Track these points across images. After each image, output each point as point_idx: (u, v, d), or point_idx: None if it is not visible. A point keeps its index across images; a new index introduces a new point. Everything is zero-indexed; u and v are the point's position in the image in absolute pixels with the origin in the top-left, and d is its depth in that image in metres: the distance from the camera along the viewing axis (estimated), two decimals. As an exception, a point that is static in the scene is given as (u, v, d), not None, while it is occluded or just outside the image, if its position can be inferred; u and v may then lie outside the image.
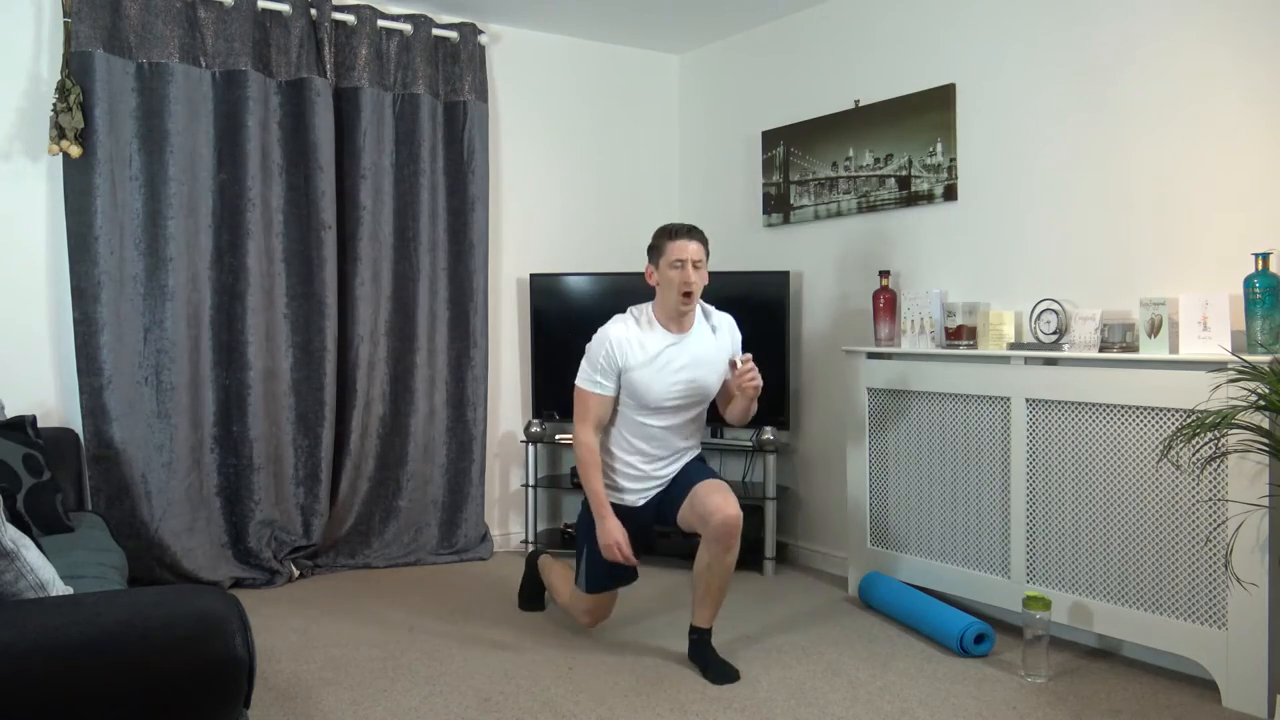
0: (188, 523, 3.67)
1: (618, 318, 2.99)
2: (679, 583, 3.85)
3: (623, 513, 2.96)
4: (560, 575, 3.26)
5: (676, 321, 2.94)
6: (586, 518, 3.02)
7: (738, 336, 3.09)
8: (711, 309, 3.07)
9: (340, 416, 4.03)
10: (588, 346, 2.97)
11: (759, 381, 2.88)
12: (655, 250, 2.95)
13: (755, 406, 3.01)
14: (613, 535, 2.89)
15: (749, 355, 2.91)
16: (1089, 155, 3.18)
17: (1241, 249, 2.78)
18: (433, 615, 3.43)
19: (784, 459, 4.32)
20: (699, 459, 3.12)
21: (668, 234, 2.93)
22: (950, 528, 3.36)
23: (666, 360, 2.92)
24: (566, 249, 4.65)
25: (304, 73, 3.87)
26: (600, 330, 2.96)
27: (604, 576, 3.02)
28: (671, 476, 3.04)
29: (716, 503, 2.82)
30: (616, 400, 2.98)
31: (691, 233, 2.92)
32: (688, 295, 2.87)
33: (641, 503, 3.04)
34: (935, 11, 3.66)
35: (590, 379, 2.95)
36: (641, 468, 3.01)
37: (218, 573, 3.71)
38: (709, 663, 2.87)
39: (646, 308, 2.99)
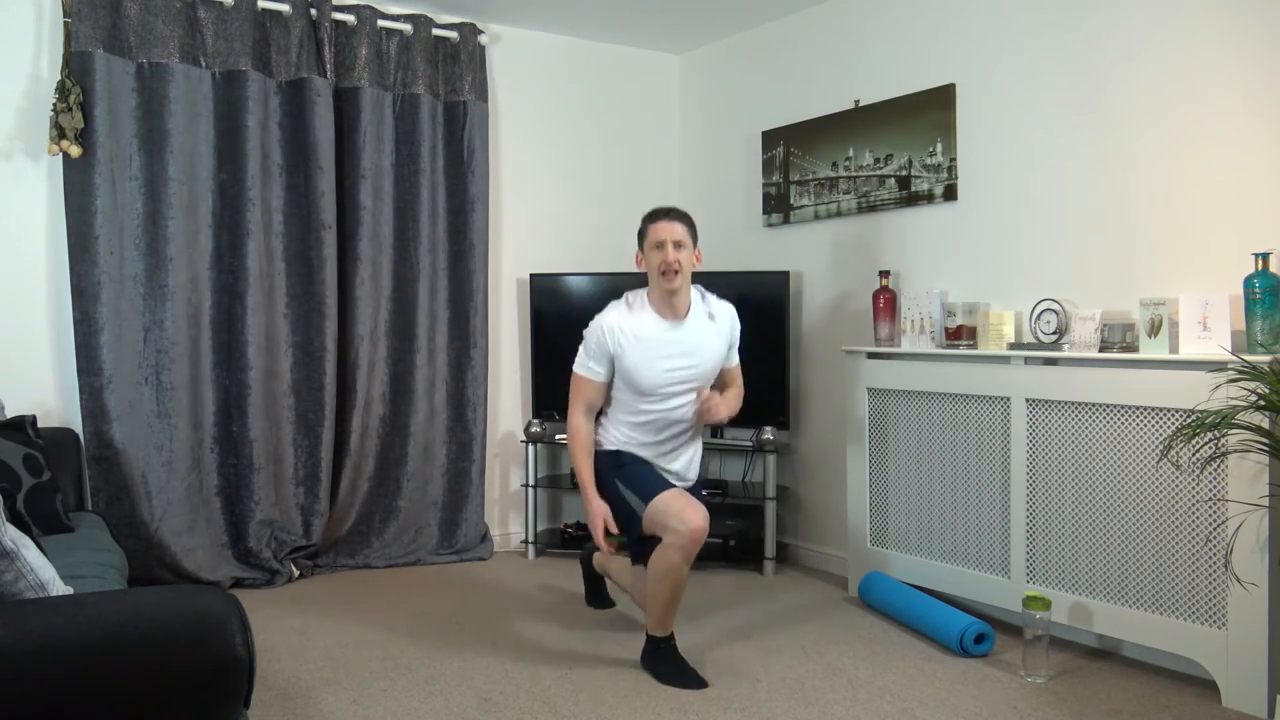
0: (188, 523, 3.67)
1: (613, 304, 2.99)
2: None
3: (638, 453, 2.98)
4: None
5: (669, 306, 2.93)
6: (605, 469, 2.97)
7: (737, 327, 3.08)
8: (712, 297, 3.06)
9: (340, 416, 4.03)
10: (584, 332, 2.98)
11: (721, 416, 2.92)
12: (640, 235, 2.98)
13: (739, 404, 3.04)
14: (597, 514, 2.88)
15: (712, 394, 2.92)
16: (1089, 155, 3.18)
17: (1241, 249, 2.78)
18: (433, 615, 3.43)
19: (784, 459, 4.32)
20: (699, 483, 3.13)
21: (648, 217, 2.97)
22: (950, 528, 3.36)
23: (659, 346, 2.91)
24: (566, 249, 4.65)
25: (304, 73, 3.87)
26: (596, 317, 2.97)
27: (651, 482, 2.90)
28: (680, 474, 3.03)
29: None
30: (611, 386, 2.98)
31: (671, 214, 2.93)
32: (668, 275, 2.87)
33: (658, 464, 3.01)
34: (935, 11, 3.66)
35: (584, 364, 2.96)
36: (644, 452, 2.99)
37: (218, 573, 3.71)
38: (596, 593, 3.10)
39: (641, 293, 2.99)
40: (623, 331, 2.91)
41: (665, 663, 2.85)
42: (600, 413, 3.06)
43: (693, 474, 3.07)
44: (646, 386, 2.92)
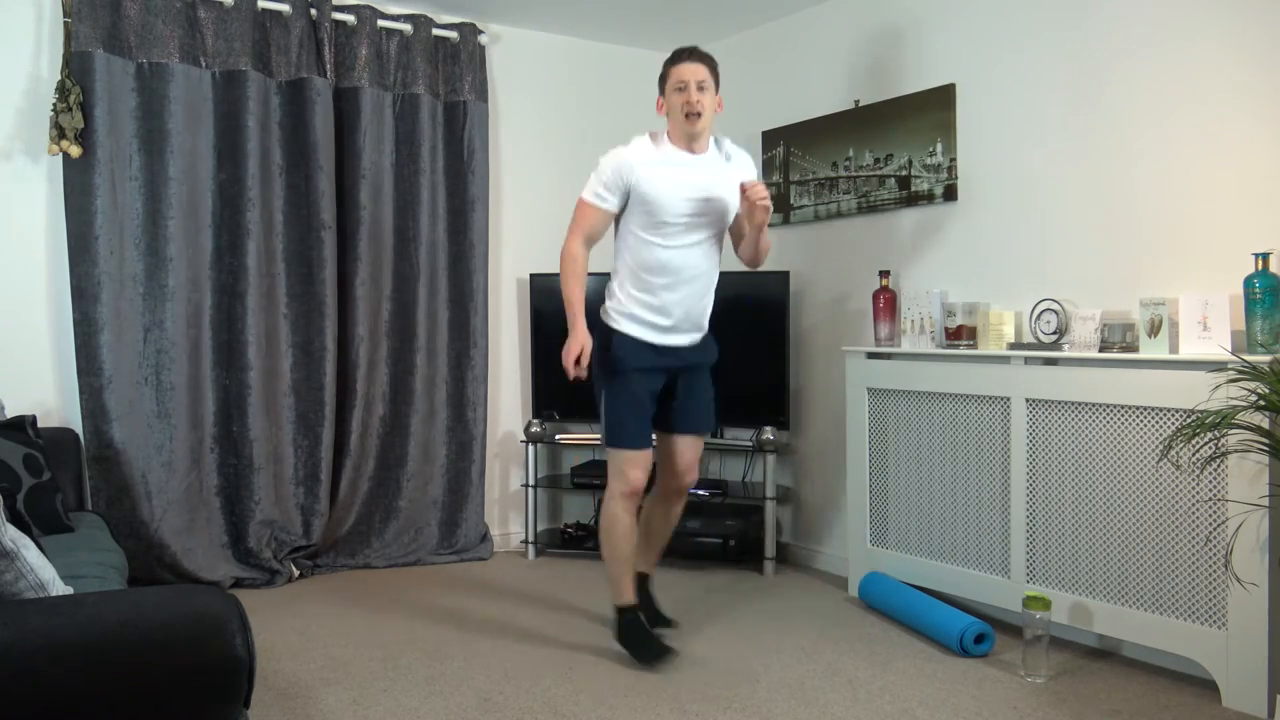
0: (188, 523, 3.67)
1: (635, 138, 2.94)
2: (680, 582, 3.85)
3: (640, 345, 2.91)
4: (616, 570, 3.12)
5: (688, 143, 2.89)
6: (599, 364, 2.92)
7: (754, 169, 3.04)
8: (728, 141, 3.01)
9: (340, 416, 4.03)
10: (599, 160, 2.92)
11: (769, 201, 2.82)
12: (662, 79, 2.92)
13: (768, 240, 2.97)
14: (575, 346, 2.83)
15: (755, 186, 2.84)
16: (1089, 155, 3.18)
17: (1241, 249, 2.78)
18: (433, 615, 3.43)
19: (784, 459, 4.32)
20: (709, 370, 3.06)
21: (672, 59, 2.89)
22: (950, 528, 3.36)
23: (681, 174, 2.86)
24: (566, 249, 4.65)
25: (304, 73, 3.87)
26: (616, 147, 2.91)
27: (630, 426, 2.89)
28: (690, 345, 2.97)
29: (688, 462, 3.07)
30: (617, 221, 2.93)
31: (695, 54, 2.87)
32: (691, 117, 2.82)
33: (661, 342, 2.92)
34: (935, 11, 3.66)
35: (594, 192, 2.90)
36: (655, 298, 2.90)
37: (218, 573, 3.71)
38: (651, 611, 3.12)
39: (662, 130, 2.94)
40: (645, 159, 2.86)
41: (626, 637, 2.92)
42: (607, 278, 3.00)
43: (703, 325, 3.01)
44: (663, 211, 2.84)
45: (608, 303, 2.97)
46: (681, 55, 2.86)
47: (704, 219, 2.89)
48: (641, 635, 2.93)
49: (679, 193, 2.85)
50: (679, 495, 3.16)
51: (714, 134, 2.97)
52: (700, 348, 3.03)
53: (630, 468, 2.91)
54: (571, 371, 2.87)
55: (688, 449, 3.08)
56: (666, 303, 2.91)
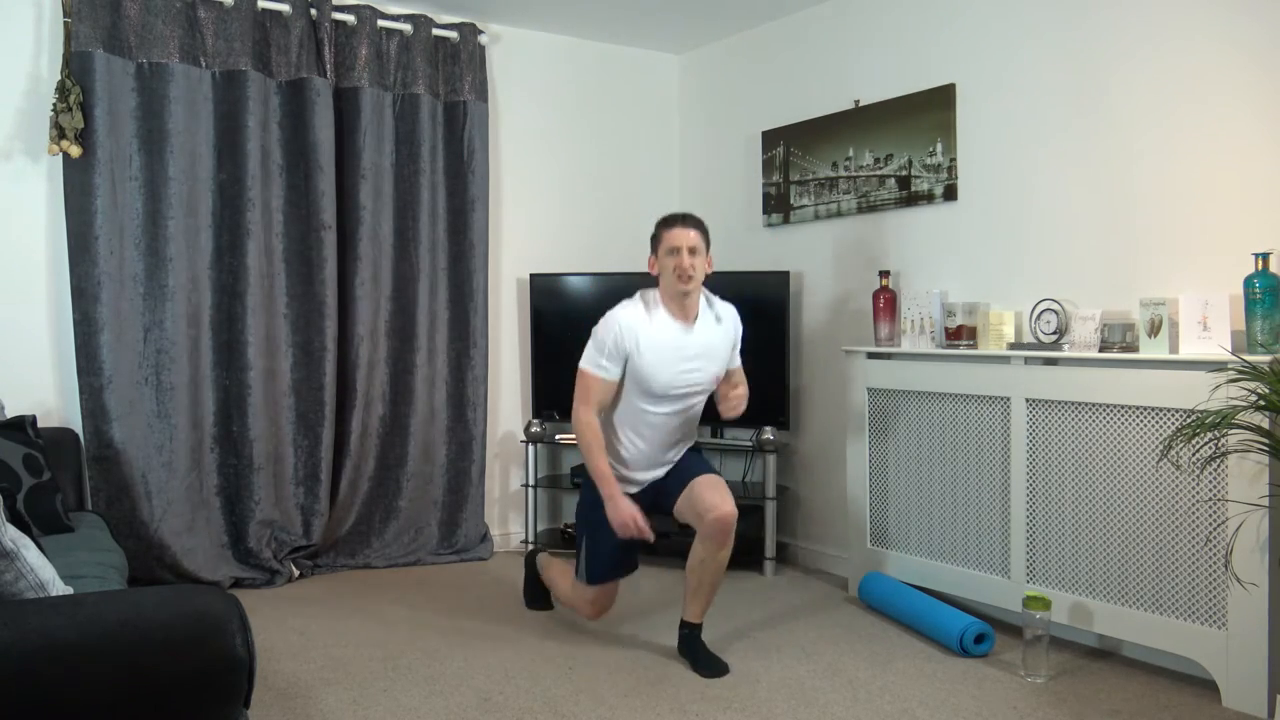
0: (188, 523, 3.67)
1: (626, 302, 2.97)
2: (680, 582, 3.84)
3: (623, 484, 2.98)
4: (559, 571, 3.26)
5: (681, 307, 2.94)
6: (587, 506, 3.02)
7: (739, 327, 3.10)
8: (715, 298, 3.07)
9: (340, 416, 4.03)
10: (595, 329, 2.95)
11: (741, 409, 2.97)
12: (654, 240, 2.98)
13: (745, 406, 3.02)
14: (626, 510, 2.85)
15: (736, 376, 3.03)
16: (1089, 155, 3.18)
17: (1241, 249, 2.78)
18: (433, 615, 3.43)
19: (784, 459, 4.32)
20: (695, 449, 3.15)
21: (664, 223, 2.97)
22: (950, 528, 3.36)
23: (676, 349, 2.92)
24: (566, 249, 4.65)
25: (304, 73, 3.87)
26: (609, 314, 2.94)
27: (606, 567, 3.02)
28: (669, 467, 3.05)
29: (713, 500, 2.86)
30: (621, 385, 2.96)
31: (687, 220, 2.94)
32: (683, 279, 2.88)
33: (644, 479, 3.05)
34: (935, 11, 3.66)
35: (596, 363, 2.92)
36: (642, 452, 3.01)
37: (218, 573, 3.71)
38: (699, 656, 2.90)
39: (654, 293, 2.98)
40: (639, 329, 2.90)
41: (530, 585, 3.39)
42: None
43: (677, 455, 3.09)
44: (658, 388, 2.92)
45: None
46: (674, 221, 2.94)
47: (696, 387, 2.98)
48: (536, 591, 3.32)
49: (673, 369, 2.92)
50: (719, 533, 2.86)
51: (704, 293, 3.02)
52: (674, 464, 3.10)
53: (589, 604, 3.09)
54: (639, 531, 2.87)
55: (705, 488, 2.92)
56: (652, 454, 3.02)
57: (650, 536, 2.88)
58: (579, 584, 3.09)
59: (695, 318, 2.96)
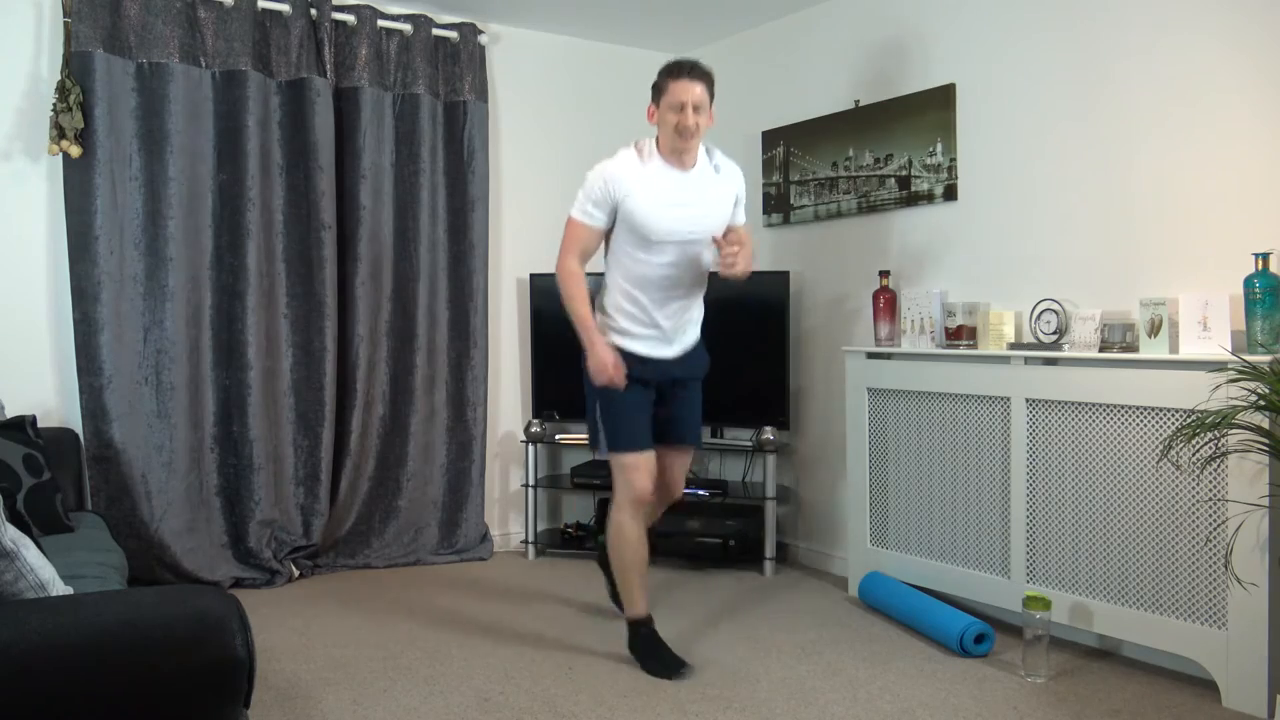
0: (188, 523, 3.67)
1: (621, 150, 2.89)
2: (680, 582, 3.85)
3: (628, 358, 2.86)
4: (613, 524, 3.04)
5: (678, 157, 2.85)
6: (589, 377, 2.89)
7: (742, 183, 3.01)
8: (718, 151, 2.98)
9: (340, 416, 4.03)
10: (586, 176, 2.88)
11: (741, 267, 2.80)
12: (657, 89, 2.85)
13: (750, 265, 2.88)
14: (603, 357, 2.79)
15: (737, 233, 2.84)
16: (1089, 155, 3.18)
17: (1241, 249, 2.78)
18: (433, 615, 3.43)
19: (784, 459, 4.32)
20: (700, 384, 3.04)
21: (669, 72, 2.81)
22: (950, 528, 3.36)
23: (670, 193, 2.83)
24: (566, 249, 4.65)
25: (304, 73, 3.87)
26: (600, 163, 2.88)
27: (627, 433, 2.86)
28: (679, 356, 2.95)
29: (676, 476, 3.07)
30: (608, 238, 2.90)
31: (695, 71, 2.78)
32: (684, 135, 2.79)
33: (650, 354, 2.90)
34: (935, 11, 3.66)
35: (584, 209, 2.85)
36: (643, 314, 2.89)
37: (218, 573, 3.71)
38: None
39: (649, 141, 2.90)
40: (629, 174, 2.82)
41: (640, 649, 2.90)
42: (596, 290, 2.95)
43: (690, 337, 2.99)
44: (655, 234, 2.82)
45: (598, 316, 2.94)
46: (681, 71, 2.78)
47: (693, 235, 2.87)
48: (654, 647, 2.90)
49: (668, 214, 2.82)
50: (663, 505, 3.14)
51: (704, 143, 2.93)
52: (690, 361, 3.00)
53: (634, 473, 2.86)
54: (614, 379, 2.80)
55: (676, 462, 3.04)
56: (655, 317, 2.90)
57: (621, 384, 2.81)
58: (614, 461, 2.89)
59: (693, 166, 2.88)
